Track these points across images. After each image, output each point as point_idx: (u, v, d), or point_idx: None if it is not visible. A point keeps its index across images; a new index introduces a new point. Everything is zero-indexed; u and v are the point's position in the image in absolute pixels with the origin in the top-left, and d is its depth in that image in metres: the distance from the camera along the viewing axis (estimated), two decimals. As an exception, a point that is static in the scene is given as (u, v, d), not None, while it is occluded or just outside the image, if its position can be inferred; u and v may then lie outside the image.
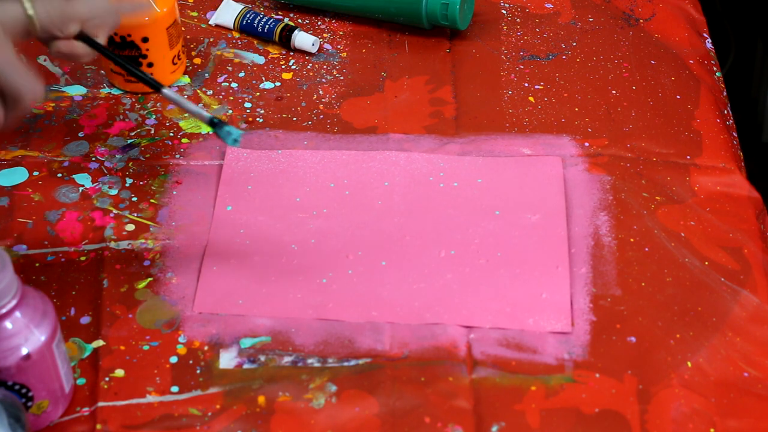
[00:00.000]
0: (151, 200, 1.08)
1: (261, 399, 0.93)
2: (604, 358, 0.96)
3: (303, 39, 1.21)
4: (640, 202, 1.07)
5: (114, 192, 1.08)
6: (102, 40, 0.99)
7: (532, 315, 0.98)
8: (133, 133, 1.13)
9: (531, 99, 1.17)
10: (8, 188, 1.08)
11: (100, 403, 0.93)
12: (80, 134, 1.13)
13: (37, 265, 1.02)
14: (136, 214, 1.06)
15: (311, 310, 0.99)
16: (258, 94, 1.17)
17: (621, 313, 0.99)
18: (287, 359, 0.96)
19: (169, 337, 0.97)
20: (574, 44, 1.23)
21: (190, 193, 1.08)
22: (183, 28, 1.22)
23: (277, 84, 1.19)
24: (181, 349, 0.97)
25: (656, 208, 1.07)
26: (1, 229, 1.05)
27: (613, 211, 1.06)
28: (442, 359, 0.96)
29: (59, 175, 1.10)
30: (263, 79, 1.19)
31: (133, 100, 1.16)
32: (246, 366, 0.96)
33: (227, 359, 0.96)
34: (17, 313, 0.87)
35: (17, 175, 1.10)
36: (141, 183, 1.09)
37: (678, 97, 1.18)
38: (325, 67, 1.20)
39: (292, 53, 1.22)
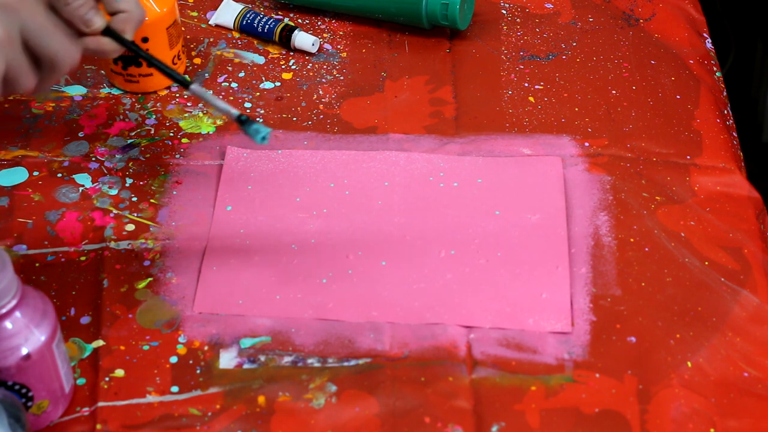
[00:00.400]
0: (151, 200, 1.08)
1: (261, 399, 0.93)
2: (604, 358, 0.96)
3: (303, 39, 1.21)
4: (640, 202, 1.07)
5: (114, 192, 1.08)
6: (129, 35, 0.96)
7: (532, 315, 0.98)
8: (133, 133, 1.13)
9: (531, 99, 1.17)
10: (8, 188, 1.08)
11: (100, 403, 0.93)
12: (80, 134, 1.13)
13: (37, 265, 1.02)
14: (136, 214, 1.06)
15: (311, 310, 0.99)
16: (258, 94, 1.17)
17: (621, 313, 0.99)
18: (287, 359, 0.96)
19: (169, 337, 0.97)
20: (574, 44, 1.23)
21: (190, 193, 1.08)
22: (183, 28, 1.22)
23: (277, 84, 1.18)
24: (181, 349, 0.97)
25: (656, 208, 1.07)
26: (1, 229, 1.05)
27: (613, 211, 1.06)
28: (442, 359, 0.96)
29: (59, 175, 1.10)
30: (263, 79, 1.19)
31: (133, 100, 1.16)
32: (246, 366, 0.95)
33: (227, 359, 0.96)
34: (17, 313, 0.87)
35: (17, 175, 1.10)
36: (141, 183, 1.09)
37: (678, 97, 1.18)
38: (325, 67, 1.20)
39: (292, 53, 1.22)
